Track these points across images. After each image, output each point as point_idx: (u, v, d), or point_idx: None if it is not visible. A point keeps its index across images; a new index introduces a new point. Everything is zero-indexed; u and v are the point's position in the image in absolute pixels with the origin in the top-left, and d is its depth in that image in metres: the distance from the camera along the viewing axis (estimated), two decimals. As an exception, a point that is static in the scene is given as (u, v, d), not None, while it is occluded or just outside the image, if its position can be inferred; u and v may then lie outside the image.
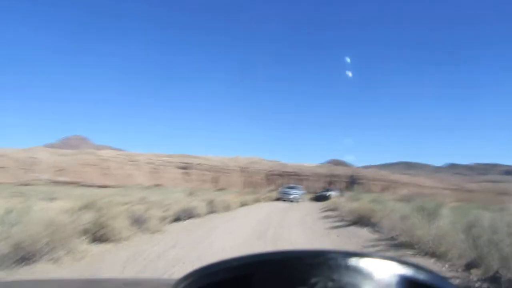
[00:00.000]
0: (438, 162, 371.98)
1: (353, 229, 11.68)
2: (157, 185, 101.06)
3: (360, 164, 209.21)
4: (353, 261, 0.63)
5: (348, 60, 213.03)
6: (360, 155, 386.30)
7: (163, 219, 12.16)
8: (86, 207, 7.93)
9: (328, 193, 41.95)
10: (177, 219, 12.84)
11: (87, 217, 6.79)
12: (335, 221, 14.61)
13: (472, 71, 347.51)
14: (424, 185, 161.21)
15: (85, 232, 6.43)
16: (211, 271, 0.68)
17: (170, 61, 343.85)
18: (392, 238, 8.80)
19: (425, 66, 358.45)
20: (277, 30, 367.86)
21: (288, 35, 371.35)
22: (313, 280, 0.60)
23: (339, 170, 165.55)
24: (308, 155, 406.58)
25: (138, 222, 8.46)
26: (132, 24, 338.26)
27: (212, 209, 16.48)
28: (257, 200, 30.34)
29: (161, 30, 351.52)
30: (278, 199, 34.36)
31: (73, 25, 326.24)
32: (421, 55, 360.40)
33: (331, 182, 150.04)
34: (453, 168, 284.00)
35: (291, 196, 34.15)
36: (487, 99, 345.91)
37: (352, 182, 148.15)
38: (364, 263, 0.62)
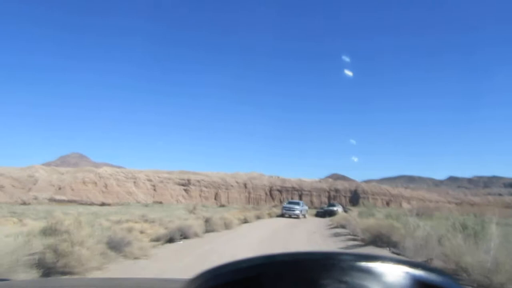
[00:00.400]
0: (439, 175, 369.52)
1: (371, 250, 10.35)
2: (157, 202, 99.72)
3: (360, 179, 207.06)
4: (364, 264, 0.62)
5: (347, 59, 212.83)
6: (360, 169, 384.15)
7: (153, 240, 10.78)
8: (51, 229, 6.54)
9: (334, 208, 40.61)
10: (171, 239, 11.57)
11: (45, 243, 5.40)
12: (348, 240, 13.39)
13: (470, 80, 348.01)
14: (426, 198, 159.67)
15: (38, 263, 5.05)
16: (222, 272, 0.67)
17: (167, 77, 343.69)
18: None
19: (418, 75, 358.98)
20: (271, 42, 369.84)
21: (283, 46, 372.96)
22: (324, 281, 0.60)
23: (340, 185, 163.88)
24: (308, 170, 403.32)
25: (118, 246, 7.05)
26: (126, 41, 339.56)
27: (210, 227, 15.19)
28: (259, 217, 29.22)
29: (157, 47, 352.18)
30: (281, 215, 33.39)
31: (66, 43, 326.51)
32: (418, 64, 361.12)
33: (332, 197, 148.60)
34: (454, 181, 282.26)
35: (295, 212, 33.03)
36: (487, 111, 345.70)
37: (354, 196, 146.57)
38: (375, 266, 0.62)
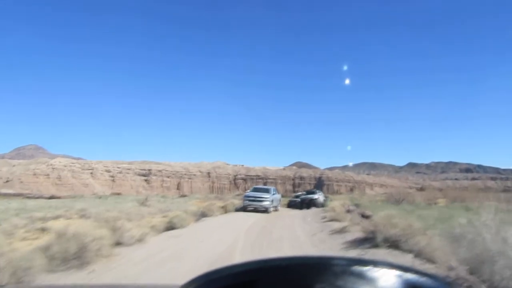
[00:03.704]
0: (399, 162, 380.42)
1: None
2: (116, 194, 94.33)
3: (323, 166, 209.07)
4: (358, 268, 0.63)
5: (345, 68, 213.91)
6: (323, 157, 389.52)
7: None
8: None
9: (315, 197, 30.96)
10: None
11: None
12: None
13: (425, 71, 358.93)
14: (388, 184, 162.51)
15: None
16: (216, 277, 0.67)
17: (126, 67, 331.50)
18: None
19: (375, 64, 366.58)
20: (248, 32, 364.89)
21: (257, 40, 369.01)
22: (318, 286, 0.61)
23: (305, 172, 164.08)
24: (273, 159, 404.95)
25: None
26: (88, 33, 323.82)
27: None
28: (205, 214, 18.91)
29: (119, 38, 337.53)
30: (243, 209, 23.86)
31: (25, 34, 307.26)
32: (378, 53, 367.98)
33: (297, 184, 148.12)
34: (413, 167, 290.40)
35: (263, 203, 23.20)
36: (444, 100, 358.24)
37: (319, 183, 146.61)
38: (368, 270, 0.63)
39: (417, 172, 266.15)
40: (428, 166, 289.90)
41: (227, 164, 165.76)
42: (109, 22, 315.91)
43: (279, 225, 15.58)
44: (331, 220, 15.59)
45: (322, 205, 28.35)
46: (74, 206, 26.28)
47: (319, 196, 31.47)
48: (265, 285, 0.63)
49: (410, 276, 0.63)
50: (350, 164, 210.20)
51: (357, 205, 22.50)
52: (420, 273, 0.65)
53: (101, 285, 3.04)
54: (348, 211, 18.63)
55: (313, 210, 24.62)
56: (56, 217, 16.72)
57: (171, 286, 1.54)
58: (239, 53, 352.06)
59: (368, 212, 16.02)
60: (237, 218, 18.82)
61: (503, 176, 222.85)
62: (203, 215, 18.67)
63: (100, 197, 62.66)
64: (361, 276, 0.62)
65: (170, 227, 13.24)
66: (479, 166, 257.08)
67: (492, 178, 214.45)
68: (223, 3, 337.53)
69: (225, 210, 22.98)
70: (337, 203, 23.52)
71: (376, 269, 0.63)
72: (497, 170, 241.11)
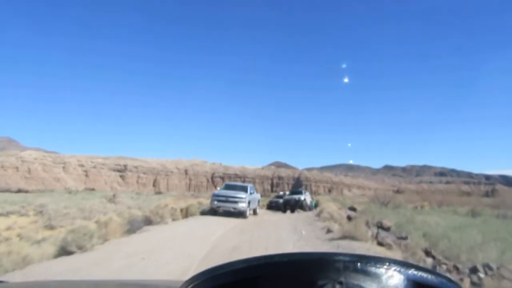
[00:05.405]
0: (376, 164, 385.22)
1: None
2: (89, 189, 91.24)
3: (302, 166, 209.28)
4: (361, 264, 0.62)
5: (344, 66, 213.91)
6: (301, 157, 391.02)
7: None
8: None
9: (301, 197, 25.81)
10: None
11: None
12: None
13: (399, 73, 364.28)
14: (366, 186, 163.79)
15: None
16: (218, 273, 0.67)
17: (104, 60, 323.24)
18: None
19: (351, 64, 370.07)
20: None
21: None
22: (321, 282, 0.61)
23: (283, 172, 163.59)
24: (251, 158, 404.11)
25: None
26: (61, 25, 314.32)
27: None
28: (150, 221, 13.09)
29: (112, 35, 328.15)
30: (212, 211, 19.10)
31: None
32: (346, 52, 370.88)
33: (275, 184, 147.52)
34: (389, 169, 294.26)
35: (239, 205, 18.50)
36: (421, 103, 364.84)
37: (297, 184, 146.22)
38: (372, 266, 0.62)
39: (393, 175, 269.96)
40: (404, 169, 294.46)
41: (205, 162, 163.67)
42: (105, 20, 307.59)
43: (262, 243, 10.13)
44: (344, 237, 10.54)
45: (309, 208, 25.27)
46: (35, 201, 24.26)
47: (306, 197, 26.48)
48: (268, 281, 0.63)
49: (412, 272, 0.62)
50: (351, 161, 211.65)
51: (353, 209, 20.53)
52: (423, 269, 0.64)
53: (101, 281, 3.17)
54: (367, 224, 13.40)
55: (301, 214, 20.93)
56: (7, 214, 14.90)
57: (173, 282, 1.52)
58: (232, 52, 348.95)
59: (386, 223, 13.35)
60: (198, 228, 13.39)
61: (475, 180, 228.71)
62: (147, 222, 12.89)
63: (69, 192, 60.13)
64: (363, 272, 0.61)
65: (65, 249, 7.63)
66: (453, 170, 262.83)
67: (465, 182, 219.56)
68: (222, 3, 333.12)
69: (185, 213, 17.77)
70: (332, 206, 19.98)
71: (378, 265, 0.62)
72: (469, 175, 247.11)
